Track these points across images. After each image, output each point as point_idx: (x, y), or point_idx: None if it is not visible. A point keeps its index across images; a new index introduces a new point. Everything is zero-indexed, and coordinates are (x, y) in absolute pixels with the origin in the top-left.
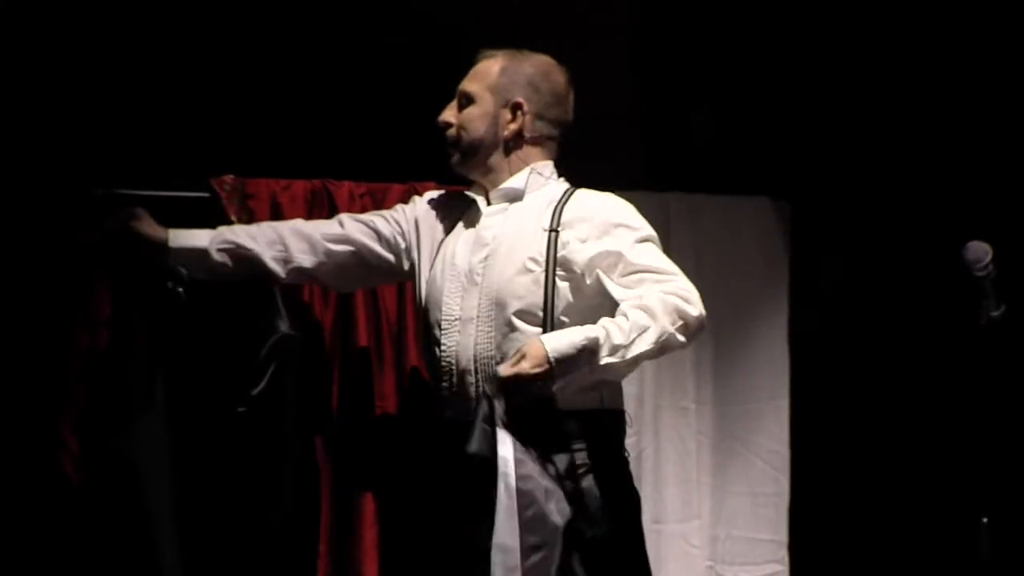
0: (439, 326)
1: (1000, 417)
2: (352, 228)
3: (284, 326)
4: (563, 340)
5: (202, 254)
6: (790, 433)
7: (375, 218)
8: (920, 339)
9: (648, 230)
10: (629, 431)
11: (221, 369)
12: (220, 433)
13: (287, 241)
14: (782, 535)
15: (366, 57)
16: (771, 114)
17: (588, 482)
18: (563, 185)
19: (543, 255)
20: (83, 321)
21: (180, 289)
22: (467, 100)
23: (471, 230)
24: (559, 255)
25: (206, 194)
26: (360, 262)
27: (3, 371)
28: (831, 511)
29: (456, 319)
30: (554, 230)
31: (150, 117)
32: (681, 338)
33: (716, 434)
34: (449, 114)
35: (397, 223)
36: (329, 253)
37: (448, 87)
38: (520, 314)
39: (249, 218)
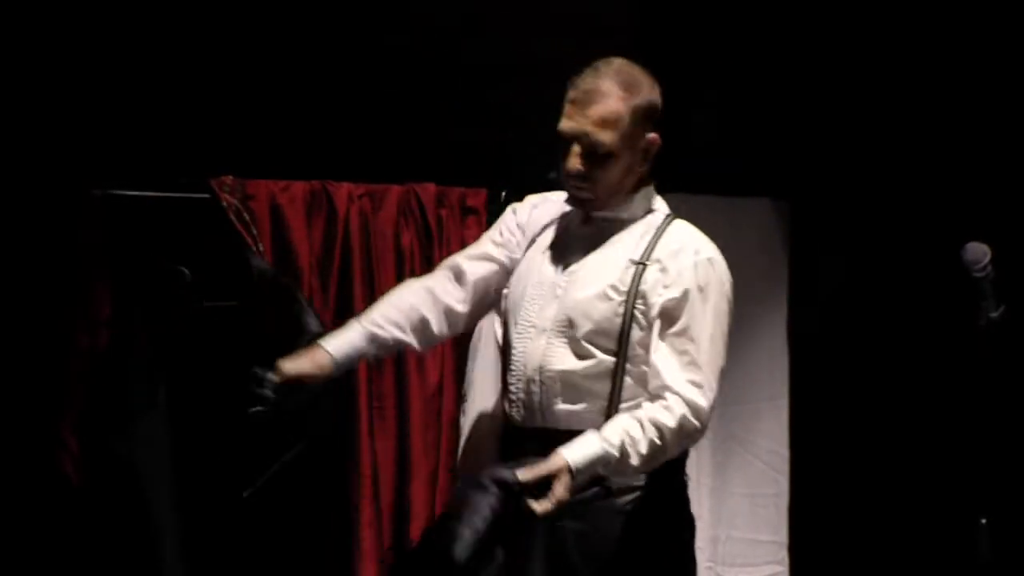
0: (516, 329)
1: (999, 418)
2: (479, 272)
3: (315, 325)
4: (583, 453)
5: (362, 355)
6: (789, 434)
7: (491, 249)
8: (919, 340)
9: (722, 296)
10: None
11: (237, 370)
12: (239, 434)
13: (430, 320)
14: (782, 536)
15: (366, 58)
16: (771, 115)
17: (637, 505)
18: (662, 212)
19: (625, 285)
20: (83, 321)
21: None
22: (603, 153)
23: (564, 242)
24: (640, 288)
25: (206, 195)
26: (494, 295)
27: (3, 371)
28: (831, 512)
29: (532, 326)
30: (642, 263)
31: (149, 118)
32: (690, 444)
33: (716, 435)
34: (579, 162)
35: (506, 246)
36: (471, 307)
37: (447, 87)
38: (591, 336)
39: (250, 217)
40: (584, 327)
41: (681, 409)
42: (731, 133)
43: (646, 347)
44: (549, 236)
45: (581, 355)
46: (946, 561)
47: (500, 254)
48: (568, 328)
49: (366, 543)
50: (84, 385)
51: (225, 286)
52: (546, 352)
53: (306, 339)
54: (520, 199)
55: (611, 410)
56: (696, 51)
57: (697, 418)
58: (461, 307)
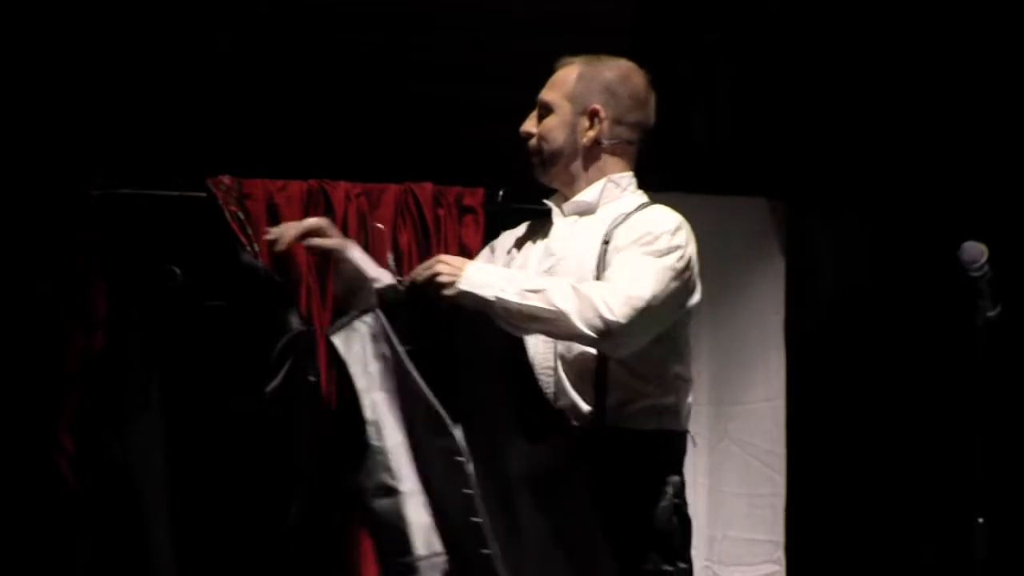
0: None
1: (996, 417)
2: None
3: (297, 323)
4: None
5: None
6: (786, 433)
7: None
8: (916, 339)
9: (666, 251)
10: None
11: (225, 367)
12: (225, 431)
13: None
14: (778, 535)
15: (363, 57)
16: (767, 114)
17: (624, 503)
18: (639, 199)
19: (595, 270)
20: (80, 321)
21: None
22: (546, 110)
23: (544, 240)
24: (606, 268)
25: (203, 194)
26: None
27: (0, 371)
28: (827, 511)
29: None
30: (606, 242)
31: (146, 118)
32: (580, 326)
33: (712, 435)
34: (530, 125)
35: None
36: None
37: (445, 86)
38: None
39: (246, 217)
40: None
41: (595, 291)
42: (728, 132)
43: None
44: (530, 240)
45: (568, 346)
46: (943, 561)
47: None
48: None
49: (366, 544)
50: (81, 385)
51: (219, 286)
52: (537, 350)
53: (286, 337)
54: (518, 198)
55: (600, 394)
56: (694, 51)
57: (603, 310)
58: None
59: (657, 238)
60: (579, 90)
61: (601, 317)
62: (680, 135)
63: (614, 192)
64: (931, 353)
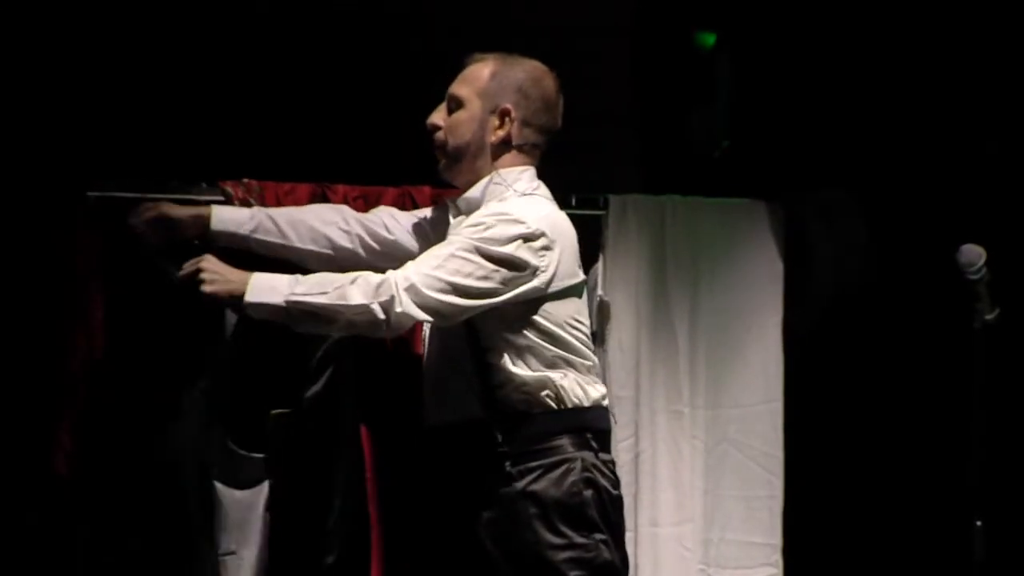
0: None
1: (995, 420)
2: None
3: None
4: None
5: (240, 232)
6: (784, 436)
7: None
8: (915, 342)
9: (487, 240)
10: (624, 434)
11: (262, 372)
12: (265, 436)
13: (331, 235)
14: (776, 538)
15: (362, 60)
16: (767, 117)
17: (540, 484)
18: (522, 196)
19: None
20: (80, 323)
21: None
22: (456, 104)
23: (442, 235)
24: None
25: (198, 196)
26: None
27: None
28: (825, 514)
29: (425, 330)
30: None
31: (146, 120)
32: (351, 303)
33: (710, 437)
34: (437, 117)
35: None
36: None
37: (445, 89)
38: (449, 330)
39: None
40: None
41: (386, 278)
42: (727, 135)
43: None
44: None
45: (448, 347)
46: (941, 563)
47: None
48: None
49: (373, 543)
50: (81, 387)
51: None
52: (430, 352)
53: (327, 343)
54: None
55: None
56: (694, 52)
57: (385, 294)
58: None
59: (483, 225)
60: (492, 88)
61: (384, 308)
62: (680, 136)
63: (498, 190)
64: (929, 356)
